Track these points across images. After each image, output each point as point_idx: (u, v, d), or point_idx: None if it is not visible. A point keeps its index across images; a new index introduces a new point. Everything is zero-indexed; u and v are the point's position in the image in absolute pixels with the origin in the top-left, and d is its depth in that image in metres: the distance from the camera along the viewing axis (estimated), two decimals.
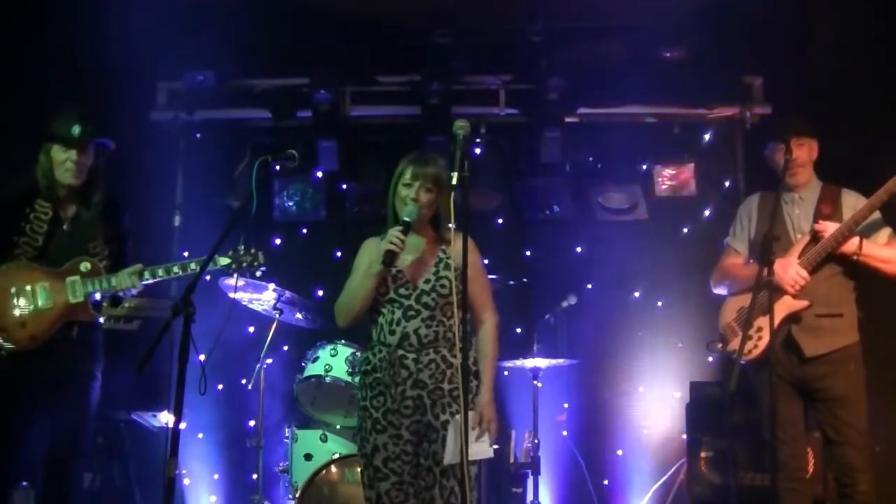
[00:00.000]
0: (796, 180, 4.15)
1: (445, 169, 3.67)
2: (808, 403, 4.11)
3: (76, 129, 3.99)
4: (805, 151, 4.15)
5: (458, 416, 3.54)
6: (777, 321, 3.86)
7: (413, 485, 3.60)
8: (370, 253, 3.76)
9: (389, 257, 3.55)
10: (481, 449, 3.62)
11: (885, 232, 4.10)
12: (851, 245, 3.97)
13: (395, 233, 3.57)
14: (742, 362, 4.00)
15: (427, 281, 3.67)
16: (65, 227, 4.08)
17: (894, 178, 3.92)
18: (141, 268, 4.04)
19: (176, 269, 4.04)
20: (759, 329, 4.01)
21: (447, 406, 3.59)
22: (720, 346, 4.25)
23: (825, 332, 4.02)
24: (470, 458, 3.46)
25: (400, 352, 3.61)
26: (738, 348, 3.88)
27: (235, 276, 4.15)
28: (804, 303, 4.00)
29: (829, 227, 4.01)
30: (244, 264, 4.03)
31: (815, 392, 4.06)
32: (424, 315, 3.63)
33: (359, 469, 4.70)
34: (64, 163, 4.01)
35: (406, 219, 3.61)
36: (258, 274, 4.12)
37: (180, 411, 3.19)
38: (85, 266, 4.04)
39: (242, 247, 4.04)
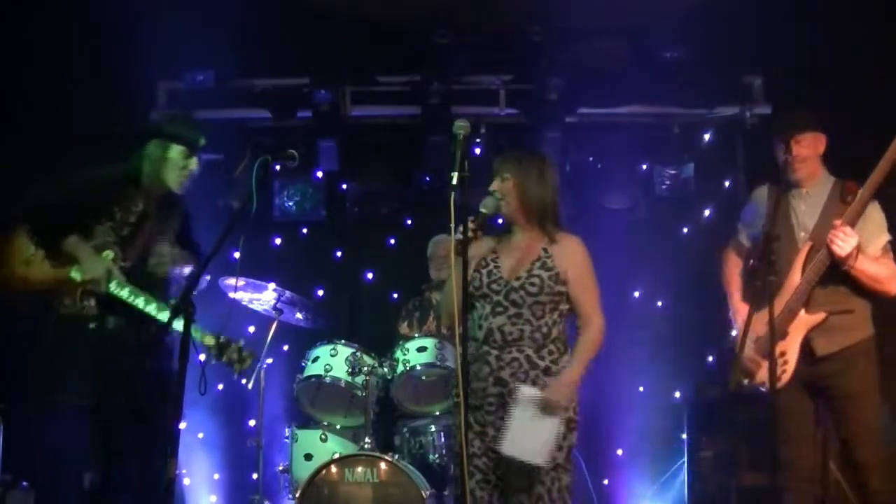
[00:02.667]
0: (797, 175, 4.04)
1: (536, 159, 3.72)
2: (819, 401, 4.01)
3: (202, 141, 3.96)
4: (807, 147, 4.03)
5: (527, 392, 3.44)
6: (798, 341, 3.82)
7: (498, 486, 3.54)
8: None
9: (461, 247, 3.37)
10: (531, 447, 3.43)
11: (882, 240, 3.97)
12: (850, 254, 3.81)
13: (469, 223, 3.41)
14: (763, 389, 3.94)
15: (518, 278, 3.60)
16: (149, 223, 3.99)
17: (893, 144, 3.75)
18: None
19: (141, 301, 3.81)
20: (783, 353, 3.89)
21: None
22: (746, 381, 4.03)
23: (836, 331, 3.92)
24: (514, 454, 3.38)
25: (485, 347, 3.55)
26: (765, 379, 3.77)
27: (235, 279, 4.08)
28: (820, 316, 3.89)
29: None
30: (225, 359, 3.78)
31: (825, 390, 3.97)
32: (511, 312, 3.56)
33: (359, 469, 4.74)
34: (182, 168, 3.98)
35: (482, 210, 3.51)
36: (235, 376, 3.85)
37: (180, 411, 3.19)
38: (107, 254, 3.90)
39: (236, 345, 3.81)
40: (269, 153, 3.63)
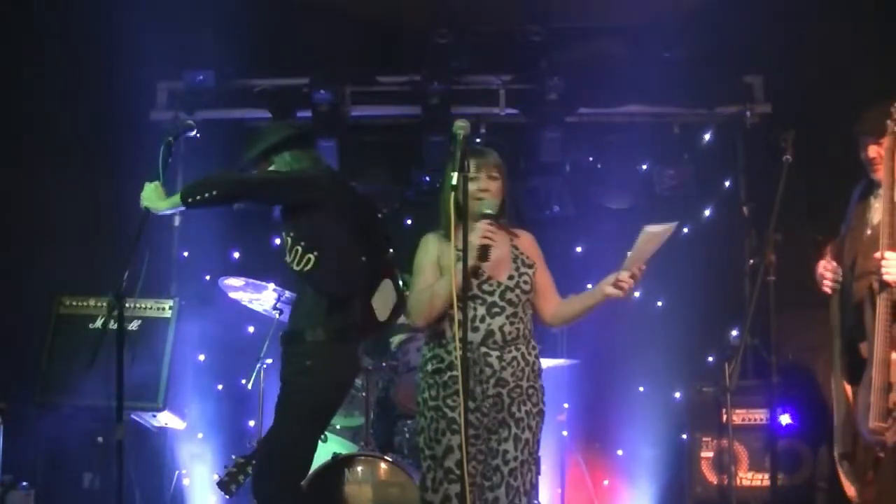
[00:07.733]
0: (877, 177, 3.72)
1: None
2: None
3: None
4: (880, 149, 3.68)
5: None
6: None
7: (481, 486, 3.49)
8: (436, 249, 3.63)
9: (485, 252, 3.37)
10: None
11: None
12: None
13: (486, 226, 3.37)
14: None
15: (510, 277, 3.56)
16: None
17: None
18: None
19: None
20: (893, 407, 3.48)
21: (522, 404, 3.51)
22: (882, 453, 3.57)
23: None
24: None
25: (483, 349, 3.48)
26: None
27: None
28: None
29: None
30: None
31: None
32: (509, 312, 3.52)
33: (359, 469, 4.73)
34: None
35: (488, 211, 3.44)
36: None
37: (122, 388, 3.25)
38: None
39: None
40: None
